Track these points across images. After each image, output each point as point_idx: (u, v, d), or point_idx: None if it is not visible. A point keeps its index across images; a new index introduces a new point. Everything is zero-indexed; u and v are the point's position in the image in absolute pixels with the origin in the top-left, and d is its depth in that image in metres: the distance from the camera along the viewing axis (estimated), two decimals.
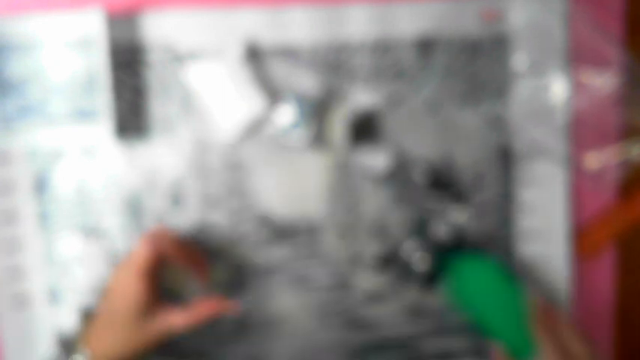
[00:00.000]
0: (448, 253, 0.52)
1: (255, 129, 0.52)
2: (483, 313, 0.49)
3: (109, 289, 0.45)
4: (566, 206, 0.54)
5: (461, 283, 0.50)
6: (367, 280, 0.54)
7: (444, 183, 0.53)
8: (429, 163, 0.53)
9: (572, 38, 0.53)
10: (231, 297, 0.53)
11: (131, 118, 0.51)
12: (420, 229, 0.53)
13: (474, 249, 0.53)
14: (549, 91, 0.53)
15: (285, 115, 0.51)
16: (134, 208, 0.52)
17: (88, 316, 0.51)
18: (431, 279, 0.53)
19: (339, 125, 0.52)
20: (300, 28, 0.51)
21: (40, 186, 0.51)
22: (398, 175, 0.53)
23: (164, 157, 0.52)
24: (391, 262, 0.53)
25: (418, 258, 0.52)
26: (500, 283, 0.49)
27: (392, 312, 0.54)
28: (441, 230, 0.53)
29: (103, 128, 0.51)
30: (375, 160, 0.52)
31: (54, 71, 0.50)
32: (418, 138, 0.53)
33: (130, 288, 0.44)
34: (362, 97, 0.52)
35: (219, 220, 0.52)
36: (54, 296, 0.52)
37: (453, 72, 0.52)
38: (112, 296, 0.45)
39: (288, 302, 0.53)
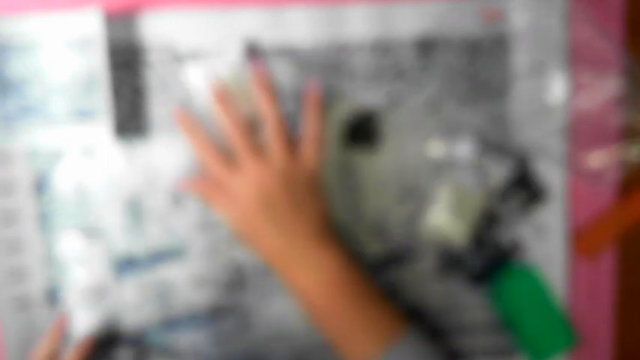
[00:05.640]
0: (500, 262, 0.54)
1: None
2: (523, 320, 0.53)
3: None
4: (566, 206, 0.54)
5: (506, 295, 0.53)
6: None
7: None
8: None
9: (572, 38, 0.53)
10: None
11: (131, 118, 0.51)
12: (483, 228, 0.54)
13: (517, 262, 0.54)
14: (549, 91, 0.53)
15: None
16: (134, 208, 0.52)
17: None
18: (481, 277, 0.54)
19: (338, 125, 0.52)
20: (300, 28, 0.51)
21: (40, 186, 0.51)
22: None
23: (164, 157, 0.52)
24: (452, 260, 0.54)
25: (476, 255, 0.53)
26: (541, 295, 0.53)
27: None
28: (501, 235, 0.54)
29: (102, 128, 0.51)
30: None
31: (54, 71, 0.50)
32: (418, 138, 0.53)
33: None
34: (362, 97, 0.52)
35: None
36: (54, 296, 0.52)
37: (453, 72, 0.52)
38: None
39: (288, 302, 0.53)
